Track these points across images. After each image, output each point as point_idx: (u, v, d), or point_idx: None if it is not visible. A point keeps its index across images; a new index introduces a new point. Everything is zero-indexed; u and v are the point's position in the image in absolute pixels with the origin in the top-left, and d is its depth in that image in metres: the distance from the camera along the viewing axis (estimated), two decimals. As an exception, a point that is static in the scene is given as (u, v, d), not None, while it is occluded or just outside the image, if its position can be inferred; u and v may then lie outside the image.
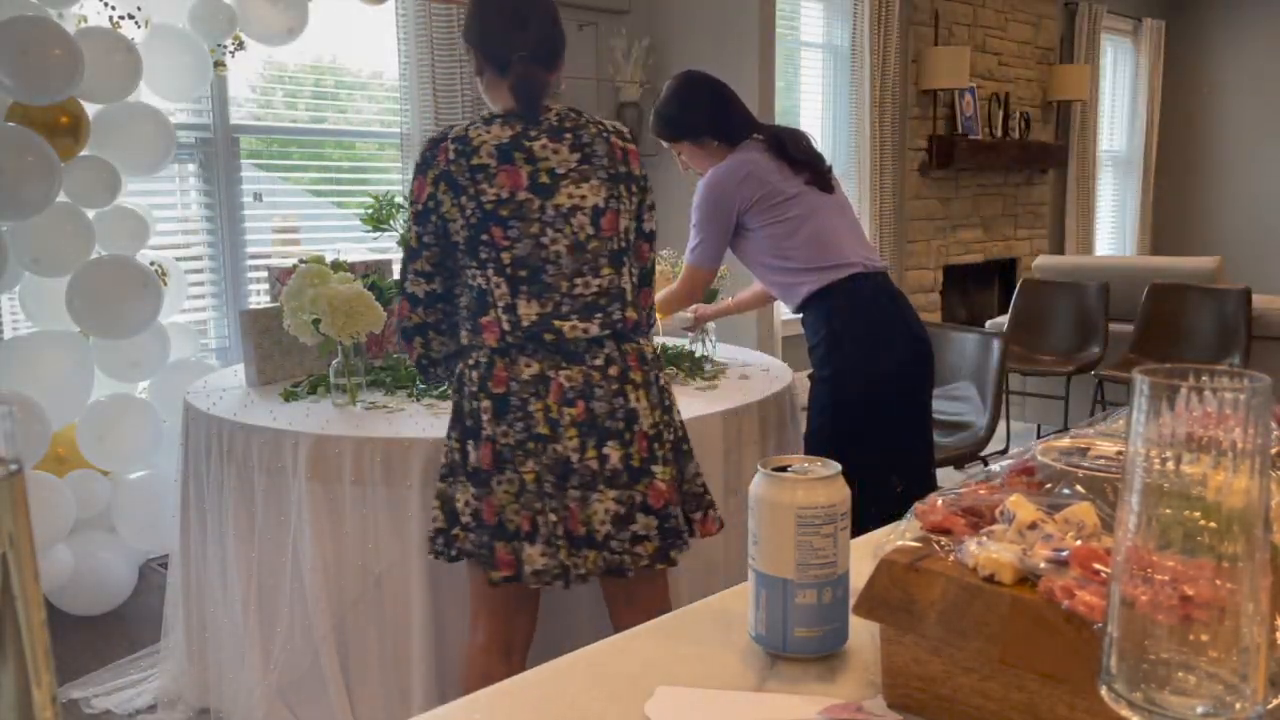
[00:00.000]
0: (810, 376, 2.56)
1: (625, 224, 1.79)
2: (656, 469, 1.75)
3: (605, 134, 1.80)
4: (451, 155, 1.72)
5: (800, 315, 2.59)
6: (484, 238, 1.72)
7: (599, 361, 1.74)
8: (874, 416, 2.47)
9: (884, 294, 2.53)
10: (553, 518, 1.70)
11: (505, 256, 1.72)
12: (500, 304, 1.73)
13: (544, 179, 1.73)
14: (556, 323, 1.72)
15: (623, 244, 1.79)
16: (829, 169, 2.58)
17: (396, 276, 3.06)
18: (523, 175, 1.72)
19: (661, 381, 1.84)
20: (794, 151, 2.51)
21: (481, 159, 1.71)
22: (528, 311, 1.72)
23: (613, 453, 1.72)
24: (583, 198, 1.74)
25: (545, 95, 1.78)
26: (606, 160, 1.77)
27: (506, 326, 1.72)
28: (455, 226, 1.74)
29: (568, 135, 1.76)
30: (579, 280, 1.74)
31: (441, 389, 2.37)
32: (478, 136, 1.73)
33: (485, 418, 1.72)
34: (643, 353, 1.81)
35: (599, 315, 1.75)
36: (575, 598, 2.07)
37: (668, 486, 1.76)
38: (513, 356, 1.73)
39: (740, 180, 2.49)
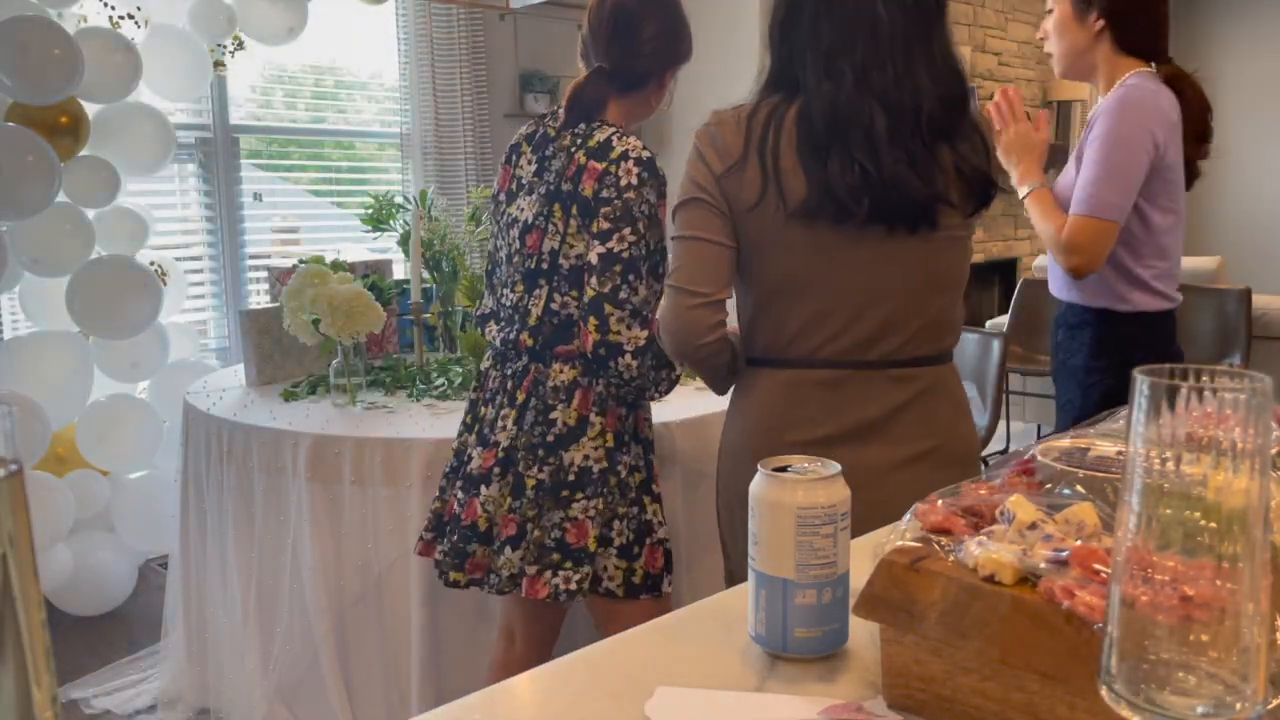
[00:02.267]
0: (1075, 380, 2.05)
1: (551, 245, 1.70)
2: (484, 489, 1.73)
3: (572, 150, 1.70)
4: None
5: (1067, 310, 2.03)
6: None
7: (509, 371, 1.78)
8: None
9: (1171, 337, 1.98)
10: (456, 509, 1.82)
11: (489, 246, 1.88)
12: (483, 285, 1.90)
13: (513, 186, 1.79)
14: (490, 323, 1.83)
15: (543, 265, 1.71)
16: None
17: (399, 277, 3.06)
18: (508, 179, 1.81)
19: (563, 418, 1.70)
20: (1194, 121, 1.91)
21: (505, 153, 1.84)
22: (487, 301, 1.86)
23: (475, 455, 1.79)
24: (521, 211, 1.75)
25: (576, 102, 1.73)
26: (553, 177, 1.71)
27: (477, 308, 1.91)
28: None
29: (543, 148, 1.75)
30: (504, 290, 1.80)
31: (441, 389, 2.37)
32: (518, 132, 1.86)
33: None
34: (539, 380, 1.73)
35: (507, 327, 1.78)
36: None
37: (484, 513, 1.73)
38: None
39: (1168, 122, 1.83)
